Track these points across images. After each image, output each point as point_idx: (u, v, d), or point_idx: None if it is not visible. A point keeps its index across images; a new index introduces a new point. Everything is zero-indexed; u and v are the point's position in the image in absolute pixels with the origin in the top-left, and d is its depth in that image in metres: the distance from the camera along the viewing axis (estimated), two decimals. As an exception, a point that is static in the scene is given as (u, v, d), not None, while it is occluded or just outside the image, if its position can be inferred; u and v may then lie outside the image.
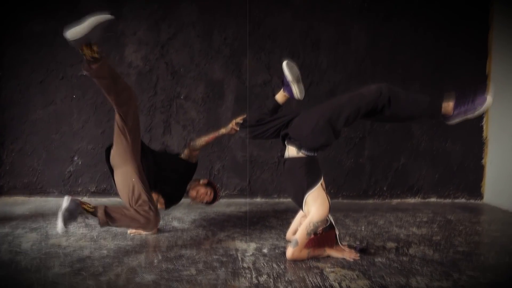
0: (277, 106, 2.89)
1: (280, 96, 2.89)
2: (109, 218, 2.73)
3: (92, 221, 3.44)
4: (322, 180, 2.58)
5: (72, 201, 2.64)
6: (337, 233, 2.65)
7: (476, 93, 2.47)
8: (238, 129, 3.02)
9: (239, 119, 2.97)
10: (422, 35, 4.59)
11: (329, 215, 2.56)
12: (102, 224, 2.72)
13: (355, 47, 4.60)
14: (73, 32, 2.36)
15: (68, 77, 4.51)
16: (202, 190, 3.30)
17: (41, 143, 4.52)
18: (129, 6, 4.52)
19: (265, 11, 4.56)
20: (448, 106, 2.50)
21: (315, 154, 2.62)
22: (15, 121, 4.49)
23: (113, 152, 2.95)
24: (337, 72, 4.59)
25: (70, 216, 2.63)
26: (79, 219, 3.43)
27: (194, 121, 4.59)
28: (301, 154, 2.60)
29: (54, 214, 3.54)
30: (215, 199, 3.37)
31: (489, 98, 2.43)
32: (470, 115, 2.48)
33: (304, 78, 2.88)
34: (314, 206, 2.50)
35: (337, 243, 2.65)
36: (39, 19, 4.47)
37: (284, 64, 2.82)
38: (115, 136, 2.88)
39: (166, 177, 3.22)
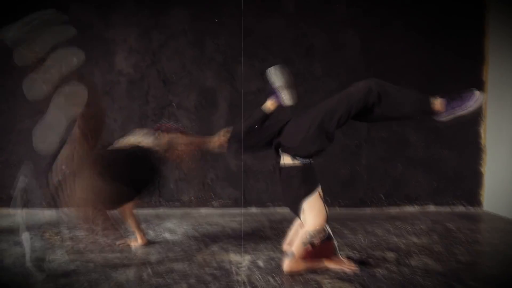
0: (266, 115, 2.75)
1: (270, 104, 2.77)
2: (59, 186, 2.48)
3: (79, 233, 3.30)
4: (319, 188, 2.48)
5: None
6: (335, 244, 2.55)
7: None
8: (226, 141, 2.86)
9: (224, 131, 2.85)
10: (417, 41, 4.53)
11: (326, 226, 2.46)
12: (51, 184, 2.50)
13: (349, 54, 4.54)
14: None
15: (56, 85, 4.40)
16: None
17: (27, 154, 4.38)
18: (119, 13, 4.42)
19: (258, 18, 4.50)
20: (439, 102, 2.41)
21: (311, 161, 2.53)
22: (0, 131, 4.36)
23: (66, 160, 2.54)
24: (331, 79, 4.51)
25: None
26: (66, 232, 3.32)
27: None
28: (296, 162, 2.50)
29: (40, 226, 3.43)
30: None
31: (477, 93, 2.36)
32: (460, 112, 2.39)
33: (298, 85, 2.77)
34: (311, 215, 2.40)
35: (335, 254, 2.55)
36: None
37: (270, 70, 2.73)
38: (72, 141, 2.53)
39: (139, 171, 2.91)
